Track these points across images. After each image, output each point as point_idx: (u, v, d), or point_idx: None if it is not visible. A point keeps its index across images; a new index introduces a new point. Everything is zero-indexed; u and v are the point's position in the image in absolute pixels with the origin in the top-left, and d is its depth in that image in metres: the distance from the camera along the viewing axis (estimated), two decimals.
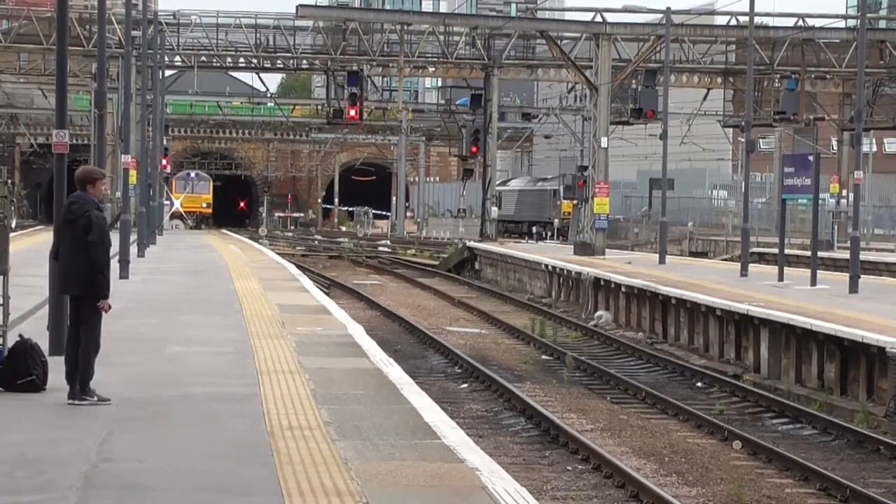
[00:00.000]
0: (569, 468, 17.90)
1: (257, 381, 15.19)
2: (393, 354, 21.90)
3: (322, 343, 19.26)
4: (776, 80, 61.66)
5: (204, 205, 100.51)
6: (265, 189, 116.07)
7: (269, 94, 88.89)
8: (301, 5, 56.03)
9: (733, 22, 59.08)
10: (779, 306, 27.42)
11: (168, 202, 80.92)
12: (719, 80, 63.46)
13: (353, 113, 57.57)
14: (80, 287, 13.69)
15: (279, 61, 63.43)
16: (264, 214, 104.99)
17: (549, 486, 16.75)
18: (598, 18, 54.59)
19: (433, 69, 64.43)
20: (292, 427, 12.44)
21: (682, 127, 68.45)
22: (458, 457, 11.42)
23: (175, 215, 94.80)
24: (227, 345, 18.59)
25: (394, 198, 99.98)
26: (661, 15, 52.43)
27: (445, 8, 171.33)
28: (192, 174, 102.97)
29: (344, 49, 60.02)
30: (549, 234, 79.09)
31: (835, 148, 69.00)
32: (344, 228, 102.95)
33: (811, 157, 33.63)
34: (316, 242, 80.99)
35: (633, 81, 57.97)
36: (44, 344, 14.85)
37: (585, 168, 56.56)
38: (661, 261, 44.90)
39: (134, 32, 46.44)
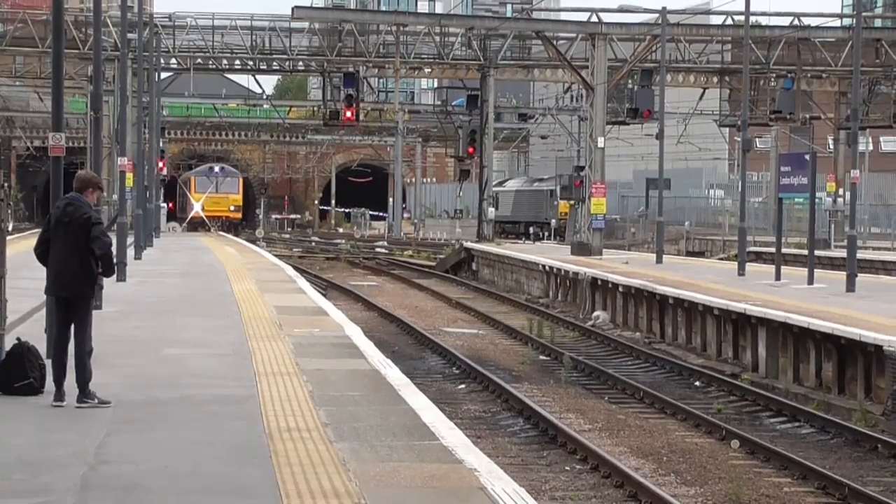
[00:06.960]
0: (567, 468, 17.89)
1: (255, 383, 15.18)
2: (391, 355, 21.88)
3: (319, 344, 19.25)
4: (772, 80, 61.65)
5: (231, 208, 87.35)
6: (262, 191, 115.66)
7: (265, 96, 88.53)
8: (297, 7, 56.05)
9: (729, 21, 59.06)
10: (776, 305, 27.43)
11: (164, 204, 78.34)
12: (715, 79, 63.48)
13: (349, 114, 57.47)
14: (73, 289, 13.54)
15: (275, 63, 63.39)
16: (261, 216, 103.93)
17: (547, 487, 16.74)
18: (594, 18, 54.63)
19: (429, 70, 64.42)
20: (290, 428, 12.44)
21: (679, 126, 68.49)
22: (457, 457, 11.41)
23: (195, 221, 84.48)
24: (225, 347, 18.57)
25: (390, 199, 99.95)
26: (656, 15, 52.53)
27: (441, 9, 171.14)
28: (217, 168, 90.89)
29: (340, 50, 59.99)
30: (546, 234, 79.05)
31: (831, 147, 68.97)
32: (341, 230, 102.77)
33: (807, 156, 33.64)
34: (313, 244, 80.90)
35: (630, 81, 57.93)
36: (41, 347, 14.83)
37: (582, 168, 56.56)
38: (658, 260, 44.90)
39: (130, 35, 46.46)
